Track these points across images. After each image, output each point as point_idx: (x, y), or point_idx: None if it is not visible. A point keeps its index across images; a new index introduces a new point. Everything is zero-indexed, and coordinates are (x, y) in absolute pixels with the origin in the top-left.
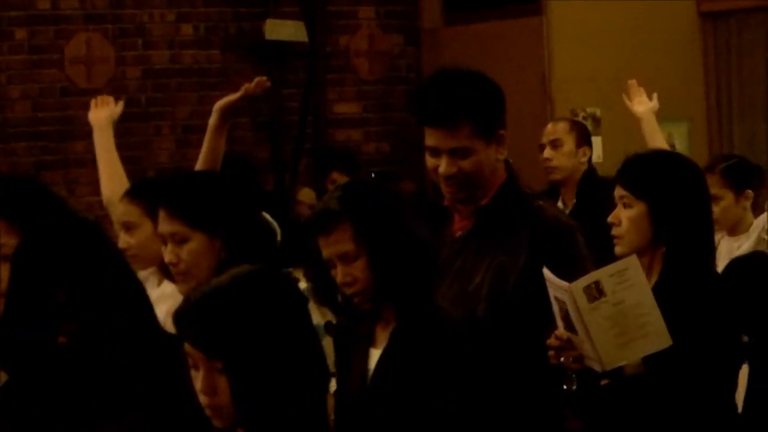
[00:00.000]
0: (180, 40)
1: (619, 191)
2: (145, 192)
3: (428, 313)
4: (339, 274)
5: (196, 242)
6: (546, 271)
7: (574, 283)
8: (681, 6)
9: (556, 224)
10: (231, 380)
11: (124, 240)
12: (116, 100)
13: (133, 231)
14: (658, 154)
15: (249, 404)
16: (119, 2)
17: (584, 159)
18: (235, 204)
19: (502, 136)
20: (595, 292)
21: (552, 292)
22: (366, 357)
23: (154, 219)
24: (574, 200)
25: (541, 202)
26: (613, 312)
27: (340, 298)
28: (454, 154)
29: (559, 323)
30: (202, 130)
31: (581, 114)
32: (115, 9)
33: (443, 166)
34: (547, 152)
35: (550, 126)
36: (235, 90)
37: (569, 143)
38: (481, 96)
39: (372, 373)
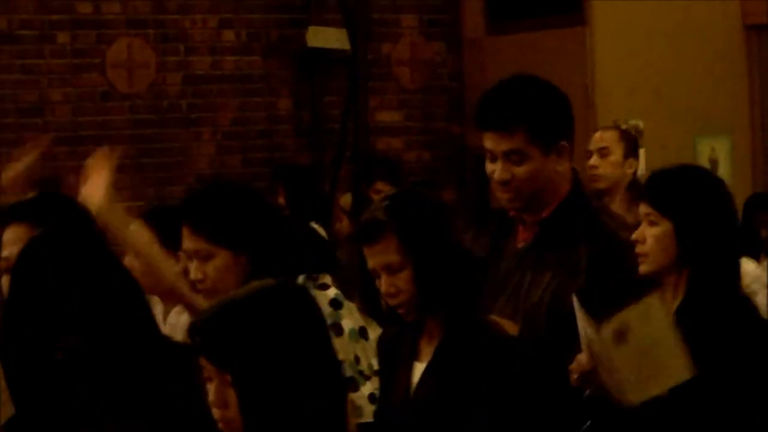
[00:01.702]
0: (222, 46)
1: (644, 208)
2: (158, 220)
3: (474, 328)
4: (383, 284)
5: (220, 259)
6: (575, 301)
7: (603, 327)
8: (725, 18)
9: (615, 241)
10: (239, 393)
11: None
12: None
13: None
14: (684, 169)
15: (256, 418)
16: (161, 7)
17: (630, 171)
18: (258, 218)
19: (564, 147)
20: (623, 333)
21: (580, 323)
22: (410, 370)
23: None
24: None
25: (605, 218)
26: (638, 350)
27: (384, 308)
28: (509, 158)
29: (584, 349)
30: (243, 136)
31: (623, 126)
32: (157, 14)
33: (498, 171)
34: (594, 160)
35: (598, 134)
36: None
37: (617, 153)
38: (540, 102)
39: (415, 386)
